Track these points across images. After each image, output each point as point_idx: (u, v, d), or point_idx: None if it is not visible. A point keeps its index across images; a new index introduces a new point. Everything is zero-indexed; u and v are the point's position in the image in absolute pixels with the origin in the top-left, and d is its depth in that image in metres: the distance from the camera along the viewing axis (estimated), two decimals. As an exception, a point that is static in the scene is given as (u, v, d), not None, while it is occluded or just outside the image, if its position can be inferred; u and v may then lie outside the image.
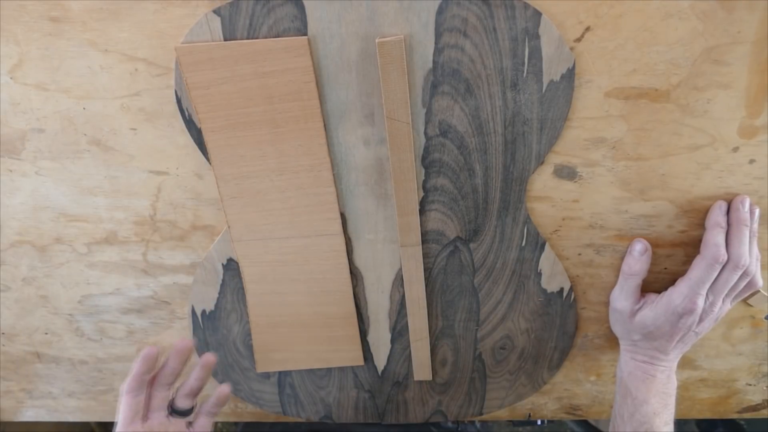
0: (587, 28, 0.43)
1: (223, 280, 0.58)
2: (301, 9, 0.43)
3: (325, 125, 0.48)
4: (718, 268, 0.49)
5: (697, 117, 0.47)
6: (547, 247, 0.54)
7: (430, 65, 0.45)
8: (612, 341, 0.62)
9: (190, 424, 0.55)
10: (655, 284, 0.56)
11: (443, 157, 0.49)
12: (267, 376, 0.65)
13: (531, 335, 0.60)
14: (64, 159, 0.52)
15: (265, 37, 0.44)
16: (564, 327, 0.60)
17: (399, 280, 0.57)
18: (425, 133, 0.48)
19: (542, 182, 0.51)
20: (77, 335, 0.65)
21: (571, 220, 0.53)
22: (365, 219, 0.53)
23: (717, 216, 0.50)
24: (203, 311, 0.60)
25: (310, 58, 0.44)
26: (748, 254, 0.49)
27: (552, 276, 0.56)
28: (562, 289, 0.57)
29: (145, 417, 0.52)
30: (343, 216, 0.53)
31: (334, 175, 0.50)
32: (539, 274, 0.56)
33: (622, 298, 0.55)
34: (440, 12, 0.42)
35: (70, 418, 0.73)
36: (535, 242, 0.54)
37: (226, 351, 0.63)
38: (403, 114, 0.46)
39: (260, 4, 0.42)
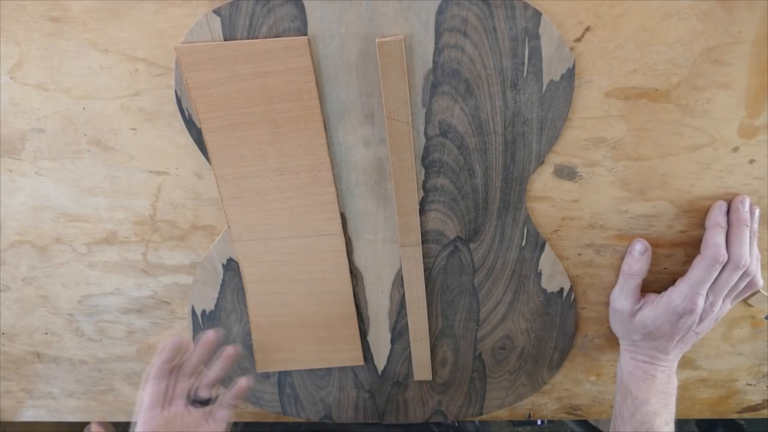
0: (587, 28, 0.43)
1: (223, 280, 0.58)
2: (301, 9, 0.43)
3: (325, 125, 0.48)
4: (719, 268, 0.49)
5: (697, 117, 0.47)
6: (547, 247, 0.54)
7: (430, 65, 0.45)
8: (612, 341, 0.61)
9: (209, 413, 0.55)
10: (655, 284, 0.56)
11: (443, 157, 0.49)
12: (267, 376, 0.65)
13: (531, 335, 0.60)
14: (64, 159, 0.52)
15: (265, 37, 0.44)
16: (564, 327, 0.60)
17: (399, 280, 0.57)
18: (425, 133, 0.48)
19: (542, 182, 0.51)
20: (77, 335, 0.65)
21: (571, 220, 0.53)
22: (365, 219, 0.53)
23: (717, 216, 0.50)
24: (203, 311, 0.60)
25: (310, 58, 0.44)
26: (749, 254, 0.49)
27: (552, 276, 0.56)
28: (562, 289, 0.57)
29: (167, 404, 0.53)
30: (343, 216, 0.53)
31: (334, 175, 0.50)
32: (539, 274, 0.56)
33: (622, 298, 0.55)
34: (440, 12, 0.42)
35: (70, 418, 0.73)
36: (535, 242, 0.54)
37: (226, 351, 0.63)
38: (403, 114, 0.46)
39: (260, 4, 0.42)
